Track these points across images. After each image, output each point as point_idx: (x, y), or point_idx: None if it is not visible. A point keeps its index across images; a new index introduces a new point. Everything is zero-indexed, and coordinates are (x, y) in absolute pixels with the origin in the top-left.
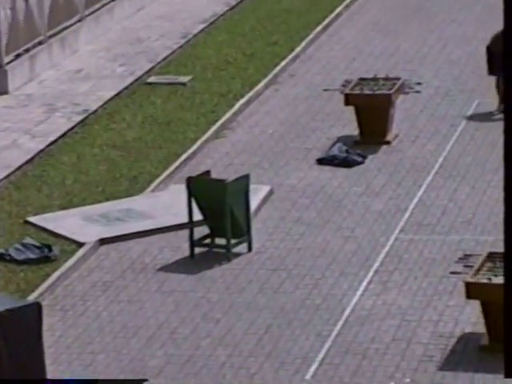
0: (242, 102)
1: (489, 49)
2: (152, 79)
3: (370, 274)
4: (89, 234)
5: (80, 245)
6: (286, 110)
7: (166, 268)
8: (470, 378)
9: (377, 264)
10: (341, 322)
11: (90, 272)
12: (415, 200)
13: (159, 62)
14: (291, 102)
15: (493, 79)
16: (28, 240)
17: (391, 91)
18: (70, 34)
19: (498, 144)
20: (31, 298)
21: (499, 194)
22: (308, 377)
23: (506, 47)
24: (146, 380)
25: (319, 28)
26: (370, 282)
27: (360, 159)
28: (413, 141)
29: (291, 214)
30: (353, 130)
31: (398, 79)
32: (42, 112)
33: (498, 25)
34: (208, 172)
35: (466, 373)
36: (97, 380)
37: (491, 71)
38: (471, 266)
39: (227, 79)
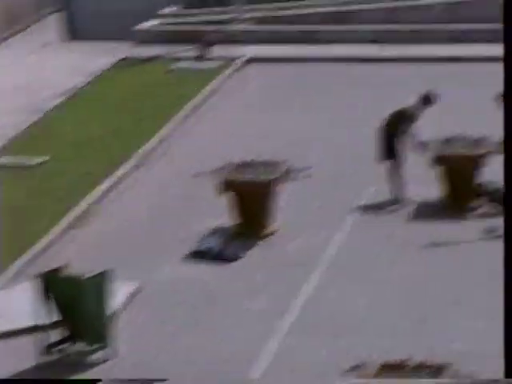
0: (105, 185)
1: (383, 132)
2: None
3: None
4: None
5: None
6: (155, 195)
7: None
8: None
9: (260, 371)
10: None
11: None
12: (301, 299)
13: (8, 141)
14: (162, 186)
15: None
16: None
17: (274, 177)
18: None
19: (393, 237)
20: None
21: (392, 291)
22: None
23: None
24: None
25: (193, 104)
26: None
27: (238, 253)
28: (298, 232)
29: (161, 313)
30: (230, 219)
31: (283, 163)
32: None
33: (389, 108)
34: (64, 267)
35: None
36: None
37: (381, 157)
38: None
39: (89, 159)
